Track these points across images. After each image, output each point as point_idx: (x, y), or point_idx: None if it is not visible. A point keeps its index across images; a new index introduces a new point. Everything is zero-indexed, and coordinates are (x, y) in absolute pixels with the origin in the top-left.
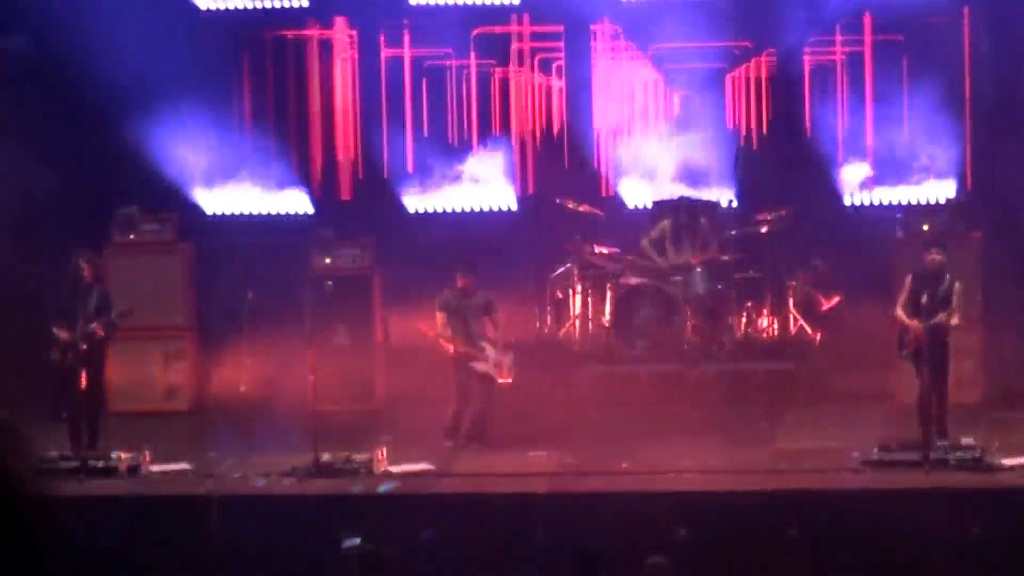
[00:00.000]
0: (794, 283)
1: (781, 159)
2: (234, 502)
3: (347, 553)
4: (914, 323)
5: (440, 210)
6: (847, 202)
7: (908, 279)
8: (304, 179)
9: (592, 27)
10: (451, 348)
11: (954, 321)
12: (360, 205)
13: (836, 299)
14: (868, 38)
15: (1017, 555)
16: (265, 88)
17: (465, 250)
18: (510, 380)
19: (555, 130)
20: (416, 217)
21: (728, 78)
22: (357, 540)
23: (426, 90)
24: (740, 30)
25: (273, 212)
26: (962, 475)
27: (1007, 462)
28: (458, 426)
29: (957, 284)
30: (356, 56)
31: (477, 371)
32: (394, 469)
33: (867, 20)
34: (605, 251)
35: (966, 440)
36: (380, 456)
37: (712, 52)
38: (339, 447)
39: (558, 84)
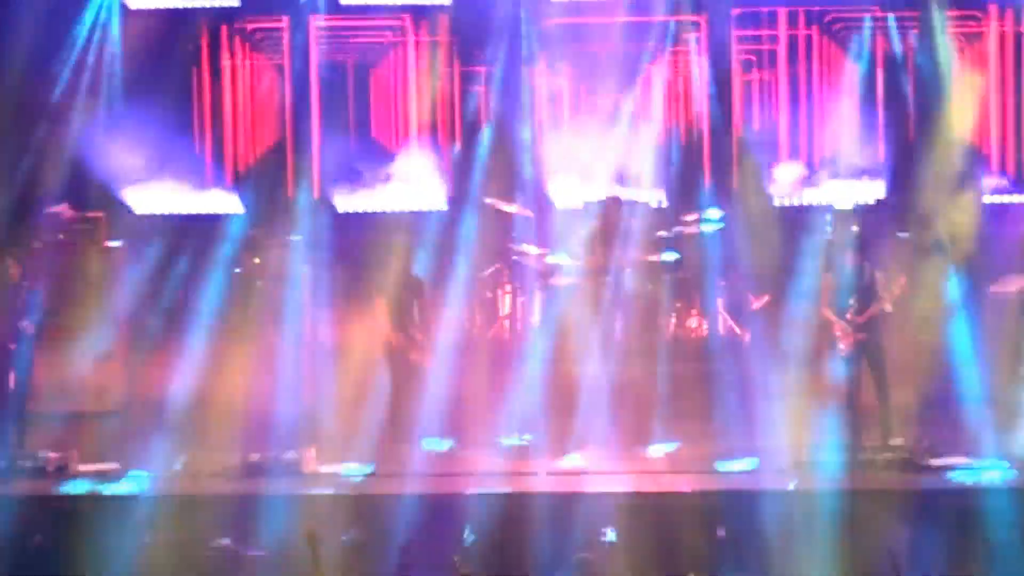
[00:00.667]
0: (723, 283)
1: (712, 158)
2: (162, 502)
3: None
4: (845, 324)
5: (369, 210)
6: (778, 202)
7: (830, 278)
8: (232, 179)
9: (520, 26)
10: (394, 340)
11: (887, 308)
12: (289, 205)
13: (766, 298)
14: (787, 33)
15: (943, 554)
16: (192, 86)
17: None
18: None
19: (486, 130)
20: (345, 217)
21: (660, 76)
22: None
23: (357, 90)
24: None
25: (202, 212)
26: (891, 475)
27: (935, 462)
28: (399, 422)
29: (877, 273)
30: (286, 54)
31: (413, 363)
32: (323, 468)
33: (799, 16)
34: (535, 251)
35: (895, 440)
36: (309, 456)
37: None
38: (269, 447)
39: (487, 83)
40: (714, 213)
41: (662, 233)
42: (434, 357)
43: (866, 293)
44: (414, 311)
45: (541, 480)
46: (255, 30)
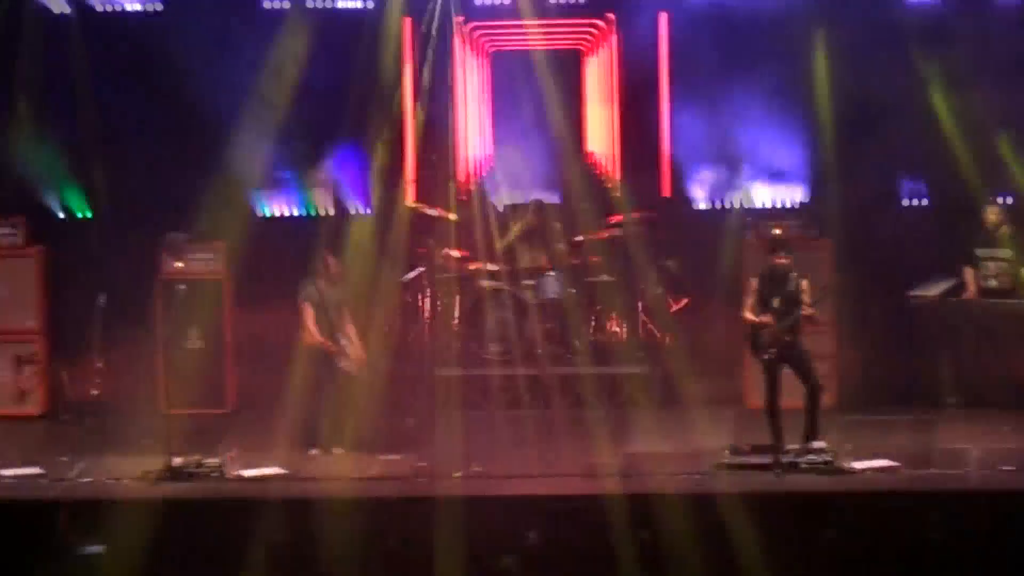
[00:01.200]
0: (644, 286)
1: (634, 161)
2: (85, 506)
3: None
4: (767, 318)
5: (292, 214)
6: (700, 206)
7: (754, 282)
8: (157, 182)
9: (451, 29)
10: (328, 347)
11: (814, 312)
12: (212, 209)
13: (685, 301)
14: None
15: (868, 557)
16: (118, 91)
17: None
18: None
19: (410, 134)
20: (268, 221)
21: (581, 81)
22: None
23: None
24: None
25: (123, 215)
26: (813, 478)
27: (858, 465)
28: (321, 430)
29: (804, 281)
30: (216, 57)
31: (341, 370)
32: (246, 473)
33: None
34: (458, 255)
35: (818, 443)
36: (232, 460)
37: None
38: (191, 451)
39: (413, 86)
40: (635, 216)
41: (583, 237)
42: (363, 363)
43: (791, 297)
44: (343, 317)
45: (458, 483)
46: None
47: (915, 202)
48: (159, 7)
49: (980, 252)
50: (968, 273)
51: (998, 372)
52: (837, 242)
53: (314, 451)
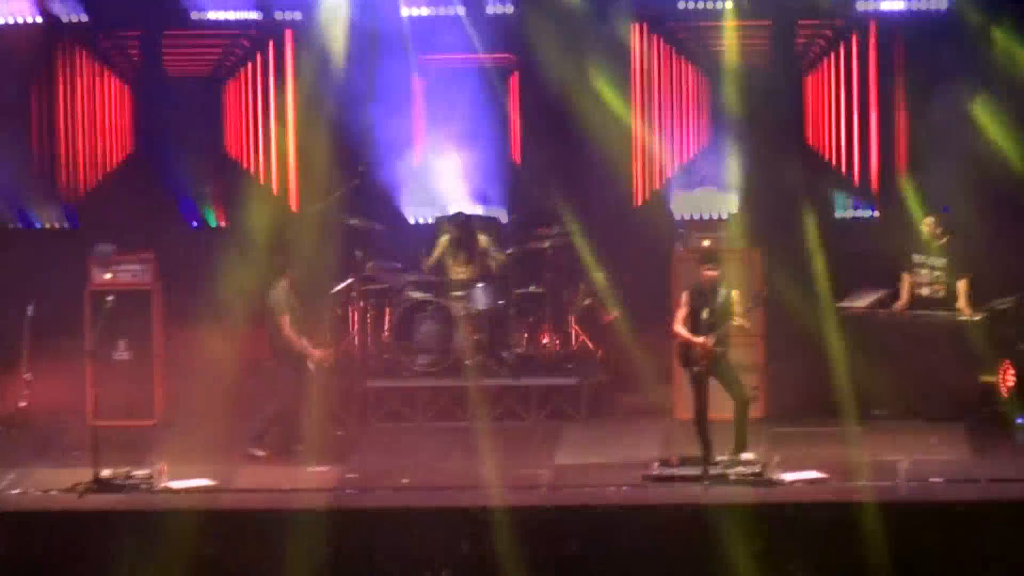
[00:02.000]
0: (575, 297)
1: (562, 172)
2: (13, 518)
3: None
4: (700, 339)
5: (221, 225)
6: (632, 217)
7: (685, 295)
8: (82, 194)
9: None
10: (315, 353)
11: (746, 323)
12: (141, 220)
13: (615, 313)
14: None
15: (796, 568)
16: (42, 101)
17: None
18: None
19: (338, 144)
20: (197, 232)
21: (510, 90)
22: None
23: (209, 106)
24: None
25: (53, 226)
26: (742, 490)
27: (787, 477)
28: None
29: (734, 292)
30: (138, 71)
31: (311, 372)
32: (174, 485)
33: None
34: (386, 266)
35: (746, 455)
36: (161, 471)
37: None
38: (120, 462)
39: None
40: (565, 228)
41: (512, 250)
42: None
43: (720, 310)
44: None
45: (388, 495)
46: (107, 45)
47: (850, 213)
48: None
49: (915, 258)
50: (904, 280)
51: (926, 384)
52: (767, 253)
53: (299, 447)
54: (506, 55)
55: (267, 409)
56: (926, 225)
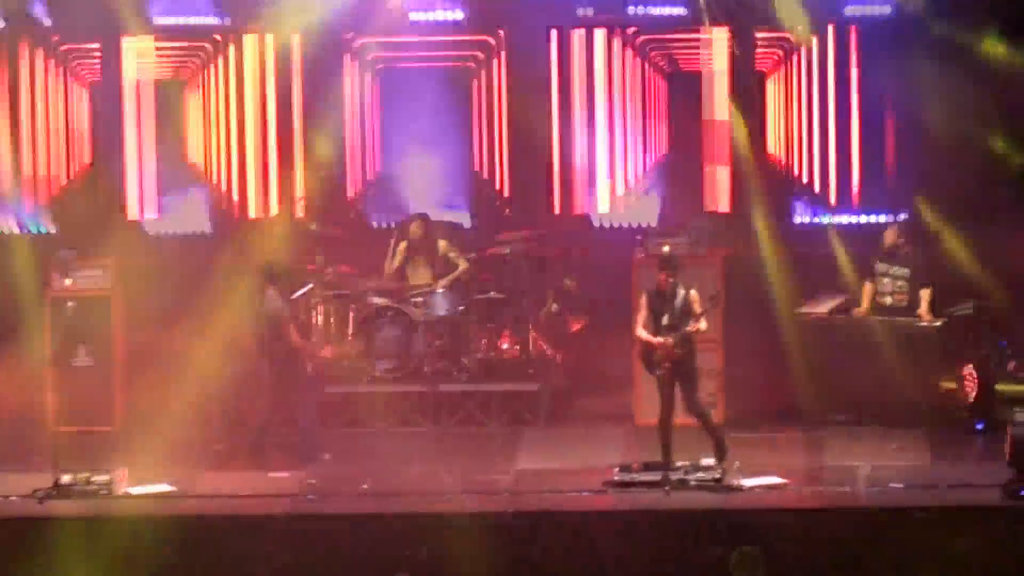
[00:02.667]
0: (543, 306)
1: (525, 177)
2: None
3: None
4: (662, 340)
5: (181, 232)
6: (595, 223)
7: (643, 297)
8: (42, 199)
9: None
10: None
11: (703, 326)
12: (99, 226)
13: (584, 322)
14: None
15: (756, 574)
16: (3, 105)
17: (204, 270)
18: None
19: (299, 147)
20: (156, 238)
21: (472, 92)
22: None
23: (169, 110)
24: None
25: (10, 231)
26: (702, 495)
27: (747, 483)
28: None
29: (692, 292)
30: (99, 76)
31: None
32: (135, 490)
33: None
34: (347, 271)
35: (706, 461)
36: (120, 477)
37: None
38: (80, 468)
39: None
40: (524, 234)
41: (473, 255)
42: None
43: (679, 313)
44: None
45: (347, 501)
46: (67, 50)
47: (811, 219)
48: None
49: (878, 267)
50: (866, 289)
51: (886, 389)
52: (727, 258)
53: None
54: (465, 62)
55: (302, 422)
56: (889, 234)
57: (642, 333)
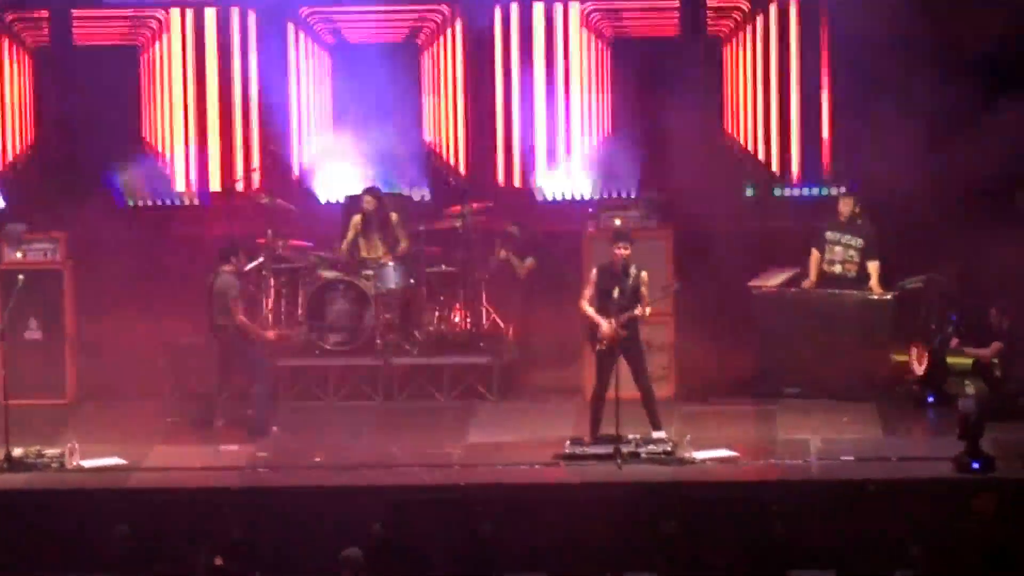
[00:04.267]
0: (491, 255)
1: (480, 151)
2: None
3: None
4: (607, 321)
5: (136, 204)
6: (539, 196)
7: (593, 273)
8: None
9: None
10: (269, 335)
11: (646, 312)
12: (52, 199)
13: (532, 265)
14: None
15: (705, 547)
16: None
17: (160, 246)
18: None
19: (248, 122)
20: (111, 212)
21: (422, 64)
22: None
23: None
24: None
25: None
26: (654, 468)
27: (698, 456)
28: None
29: (643, 274)
30: (48, 48)
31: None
32: (86, 463)
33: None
34: (298, 245)
35: (658, 434)
36: (72, 450)
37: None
38: (31, 441)
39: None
40: (474, 207)
41: (423, 228)
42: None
43: (632, 294)
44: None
45: (299, 474)
46: (14, 20)
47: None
48: None
49: (829, 235)
50: (813, 257)
51: (837, 363)
52: (678, 232)
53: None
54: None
55: (256, 396)
56: (844, 204)
57: (587, 309)
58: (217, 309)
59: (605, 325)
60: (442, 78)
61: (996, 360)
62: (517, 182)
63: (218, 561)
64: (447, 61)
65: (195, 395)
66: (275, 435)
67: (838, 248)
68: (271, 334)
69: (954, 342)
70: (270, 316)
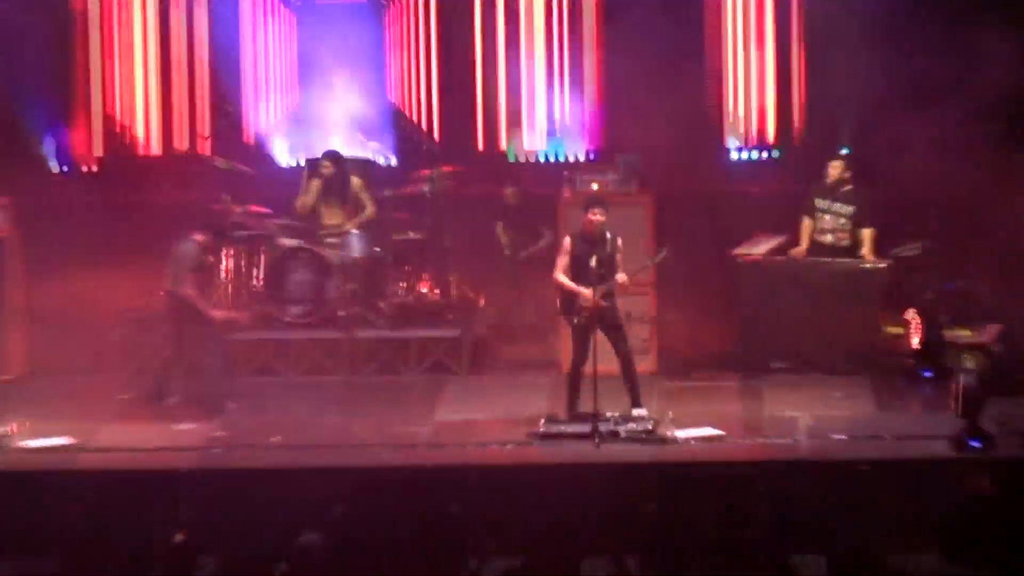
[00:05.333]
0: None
1: (454, 113)
2: None
3: None
4: (587, 290)
5: (89, 169)
6: (511, 158)
7: (567, 241)
8: None
9: None
10: (217, 316)
11: (626, 280)
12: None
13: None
14: None
15: (688, 529)
16: None
17: (112, 212)
18: None
19: (203, 82)
20: (59, 177)
21: (386, 23)
22: None
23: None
24: None
25: None
26: (634, 448)
27: (680, 434)
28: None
29: (619, 240)
30: None
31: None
32: (31, 443)
33: None
34: (256, 211)
35: (638, 411)
36: (13, 430)
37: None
38: None
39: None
40: (445, 171)
41: (389, 192)
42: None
43: (608, 259)
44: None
45: (257, 454)
46: None
47: (750, 154)
48: None
49: (818, 203)
50: (805, 225)
51: (827, 335)
52: (659, 197)
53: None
54: None
55: (208, 371)
56: (833, 168)
57: (563, 279)
58: (171, 275)
59: (587, 293)
60: (412, 36)
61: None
62: (501, 146)
63: (179, 537)
64: (419, 17)
65: (151, 369)
66: (231, 412)
67: (828, 217)
68: (218, 314)
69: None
70: (229, 287)
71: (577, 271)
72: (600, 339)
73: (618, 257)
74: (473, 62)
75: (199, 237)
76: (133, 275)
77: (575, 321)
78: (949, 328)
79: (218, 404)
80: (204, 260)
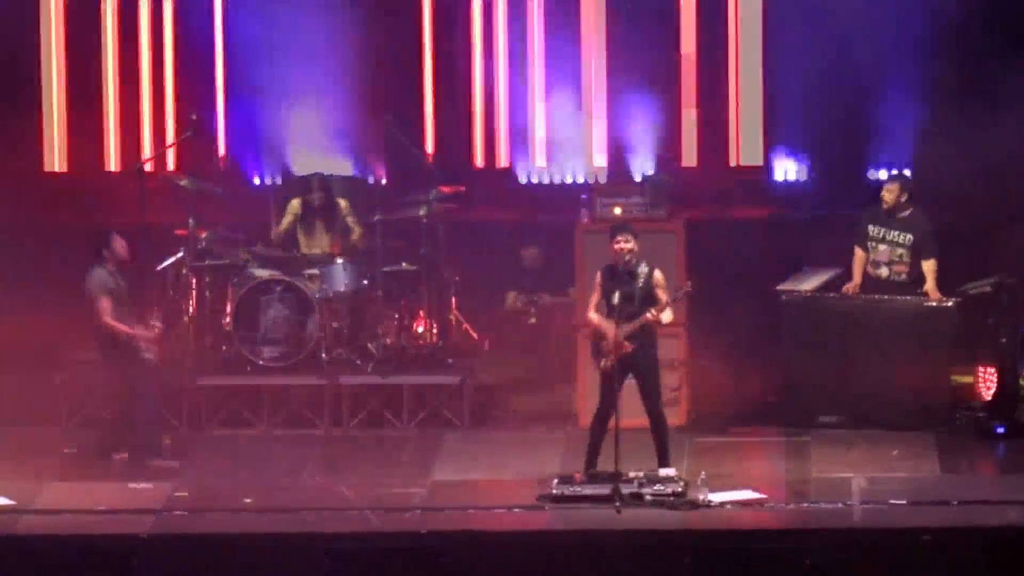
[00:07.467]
0: (459, 277)
1: (441, 127)
2: None
3: None
4: (611, 327)
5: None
6: (522, 179)
7: (598, 276)
8: None
9: None
10: (142, 334)
11: (666, 318)
12: None
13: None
14: None
15: None
16: None
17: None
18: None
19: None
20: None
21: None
22: None
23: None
24: None
25: None
26: (661, 513)
27: (715, 498)
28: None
29: (657, 273)
30: None
31: (147, 361)
32: None
33: None
34: (226, 236)
35: (666, 471)
36: None
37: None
38: None
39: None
40: (443, 191)
41: (379, 217)
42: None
43: (638, 293)
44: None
45: (225, 518)
46: None
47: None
48: None
49: (871, 231)
50: (857, 257)
51: (885, 385)
52: (691, 223)
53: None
54: None
55: (136, 421)
56: (888, 192)
57: (594, 317)
58: (88, 311)
59: (611, 334)
60: (408, 42)
61: None
62: (501, 162)
63: None
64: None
65: (98, 420)
66: (160, 472)
67: (883, 247)
68: (142, 332)
69: None
70: (190, 326)
71: (608, 309)
72: (631, 388)
73: (658, 292)
74: (469, 68)
75: (103, 265)
76: (77, 310)
77: (601, 365)
78: None
79: (150, 461)
80: (117, 284)
